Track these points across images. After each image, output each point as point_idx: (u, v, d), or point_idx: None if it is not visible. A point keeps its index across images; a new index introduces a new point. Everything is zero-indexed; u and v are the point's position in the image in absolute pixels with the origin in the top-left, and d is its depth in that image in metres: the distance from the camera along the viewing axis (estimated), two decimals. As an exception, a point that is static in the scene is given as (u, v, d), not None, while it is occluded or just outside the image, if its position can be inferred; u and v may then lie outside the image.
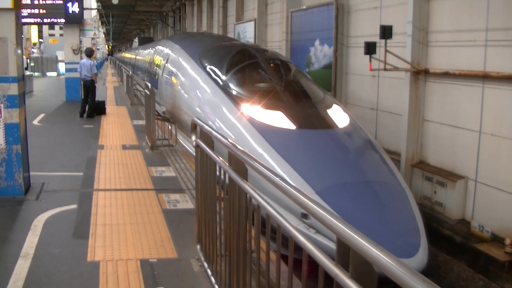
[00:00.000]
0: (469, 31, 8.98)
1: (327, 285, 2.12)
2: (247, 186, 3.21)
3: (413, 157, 10.40)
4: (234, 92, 9.16)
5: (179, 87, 11.33)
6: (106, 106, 16.50)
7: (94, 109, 15.71)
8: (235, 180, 3.40)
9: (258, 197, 2.97)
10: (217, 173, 3.98)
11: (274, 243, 2.87)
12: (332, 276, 1.95)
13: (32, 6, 19.78)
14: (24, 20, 19.95)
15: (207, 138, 4.29)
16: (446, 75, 9.54)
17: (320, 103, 9.06)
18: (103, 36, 70.78)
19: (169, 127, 11.35)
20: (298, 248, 2.34)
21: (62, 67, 36.46)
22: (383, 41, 9.99)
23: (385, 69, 10.21)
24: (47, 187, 7.53)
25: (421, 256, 6.05)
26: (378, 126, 12.11)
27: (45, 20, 21.00)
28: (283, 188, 2.54)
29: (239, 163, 3.46)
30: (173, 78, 12.15)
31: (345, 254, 1.90)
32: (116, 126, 13.65)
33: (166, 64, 13.53)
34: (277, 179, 2.65)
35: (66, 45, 21.25)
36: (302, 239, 2.28)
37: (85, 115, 15.57)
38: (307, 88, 9.69)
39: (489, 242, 8.28)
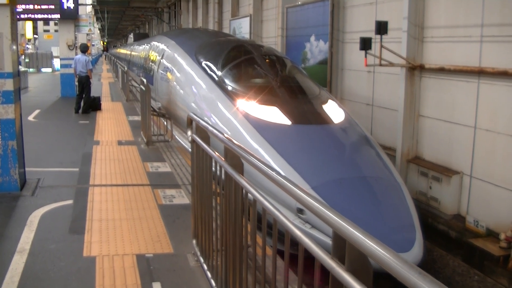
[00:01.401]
0: (465, 26, 9.00)
1: (323, 278, 2.13)
2: (243, 181, 3.22)
3: (408, 152, 10.42)
4: (229, 88, 9.15)
5: (175, 82, 11.32)
6: (101, 102, 16.48)
7: (89, 105, 15.70)
8: (231, 174, 3.40)
9: (254, 192, 2.98)
10: (213, 168, 3.98)
11: (270, 238, 2.87)
12: (328, 269, 1.96)
13: (26, 1, 19.72)
14: (20, 16, 19.89)
15: (203, 133, 4.29)
16: (441, 70, 9.55)
17: (315, 99, 9.06)
18: (98, 32, 70.55)
19: (165, 122, 11.34)
20: (294, 243, 2.35)
21: (57, 63, 36.40)
22: (378, 36, 10.00)
23: (381, 65, 10.21)
24: (43, 183, 7.53)
25: (417, 251, 6.08)
26: (373, 122, 12.13)
27: (40, 16, 20.94)
28: (279, 182, 2.55)
29: (235, 158, 3.46)
30: (168, 74, 12.14)
31: (341, 247, 1.91)
32: (112, 122, 13.63)
33: (161, 60, 13.51)
34: (273, 173, 2.65)
35: (61, 41, 21.21)
36: (298, 233, 2.29)
37: (80, 111, 15.56)
38: (302, 84, 9.69)
39: (484, 237, 8.31)
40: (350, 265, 1.86)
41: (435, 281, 1.37)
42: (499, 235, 8.03)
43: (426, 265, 7.95)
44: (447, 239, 8.96)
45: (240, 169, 3.42)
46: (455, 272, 8.09)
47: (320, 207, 2.08)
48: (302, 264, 2.30)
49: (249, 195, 3.09)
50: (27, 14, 20.41)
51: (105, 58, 73.23)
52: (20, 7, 19.39)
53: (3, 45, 6.70)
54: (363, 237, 1.72)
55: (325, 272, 2.03)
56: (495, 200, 8.33)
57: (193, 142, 4.52)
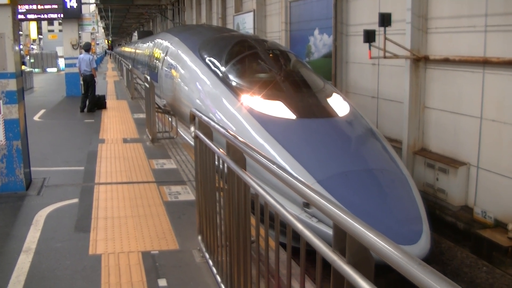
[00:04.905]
0: (469, 16, 8.93)
1: (325, 271, 2.11)
2: (245, 176, 3.20)
3: (414, 144, 10.37)
4: (233, 83, 9.13)
5: (179, 79, 11.31)
6: (106, 101, 16.51)
7: (94, 103, 15.72)
8: (234, 169, 3.38)
9: (256, 186, 2.96)
10: (216, 163, 3.96)
11: (274, 231, 2.85)
12: (329, 262, 1.94)
13: (30, 2, 19.73)
14: (22, 17, 19.92)
15: (206, 129, 4.28)
16: (446, 61, 9.49)
17: (320, 92, 9.03)
18: (103, 31, 70.61)
19: (170, 119, 11.34)
20: (298, 236, 2.33)
21: (62, 62, 36.45)
22: (382, 29, 9.94)
23: (385, 57, 10.15)
24: (49, 182, 7.54)
25: (424, 243, 6.05)
26: (379, 114, 12.08)
27: (44, 16, 20.94)
28: (280, 175, 2.53)
29: (237, 153, 3.45)
30: (172, 70, 12.13)
31: (342, 240, 1.89)
32: (117, 120, 13.65)
33: (165, 57, 13.51)
34: (274, 167, 2.63)
35: (65, 40, 21.24)
36: (299, 226, 2.27)
37: (85, 109, 15.58)
38: (307, 78, 9.66)
39: (492, 228, 8.26)
40: (351, 258, 1.84)
41: (435, 272, 1.35)
42: (507, 225, 7.98)
43: (434, 257, 7.92)
44: (455, 231, 8.92)
45: (242, 164, 3.41)
46: (463, 263, 8.05)
47: (320, 199, 2.06)
48: (304, 257, 2.28)
49: (252, 189, 3.07)
50: (31, 14, 20.43)
51: (110, 56, 73.28)
52: (23, 8, 19.44)
53: (6, 45, 6.71)
54: (363, 229, 1.70)
55: (328, 265, 2.01)
56: (503, 190, 8.28)
57: (196, 138, 4.50)
